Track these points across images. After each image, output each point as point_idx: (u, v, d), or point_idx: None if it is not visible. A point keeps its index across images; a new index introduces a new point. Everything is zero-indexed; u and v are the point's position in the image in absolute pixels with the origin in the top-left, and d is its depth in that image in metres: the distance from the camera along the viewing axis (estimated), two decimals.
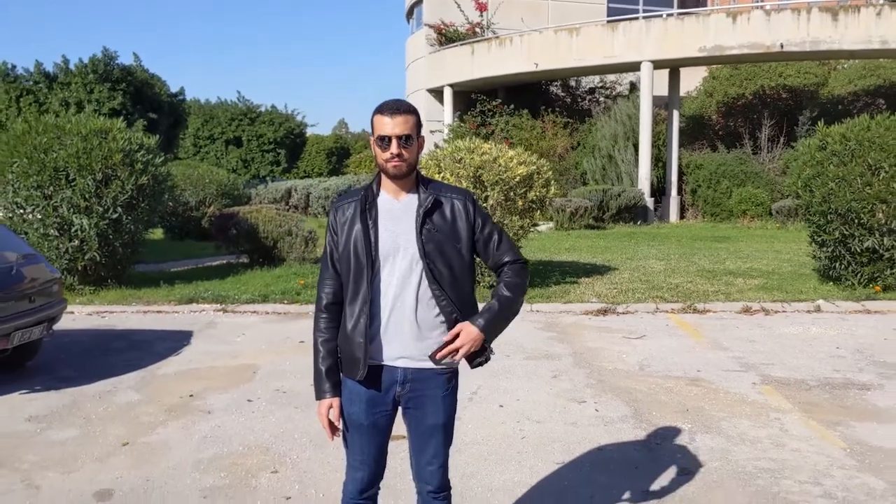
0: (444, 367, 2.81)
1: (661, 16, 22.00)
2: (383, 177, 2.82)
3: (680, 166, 23.34)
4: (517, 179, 9.88)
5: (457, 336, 2.74)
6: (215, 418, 5.51)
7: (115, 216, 9.90)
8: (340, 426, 2.88)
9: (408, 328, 2.77)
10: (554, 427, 5.27)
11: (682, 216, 23.45)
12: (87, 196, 9.71)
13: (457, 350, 2.74)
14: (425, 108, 28.52)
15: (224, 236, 12.26)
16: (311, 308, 9.64)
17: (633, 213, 22.24)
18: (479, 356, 2.85)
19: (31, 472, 4.53)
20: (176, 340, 8.03)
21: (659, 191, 23.80)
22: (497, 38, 25.32)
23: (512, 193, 9.90)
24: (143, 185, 10.14)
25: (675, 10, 25.49)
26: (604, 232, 20.30)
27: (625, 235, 19.14)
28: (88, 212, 9.77)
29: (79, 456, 4.80)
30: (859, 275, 10.13)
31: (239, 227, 12.22)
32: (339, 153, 43.15)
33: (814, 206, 10.20)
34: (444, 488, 2.94)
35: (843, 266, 10.29)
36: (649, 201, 22.65)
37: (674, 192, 23.23)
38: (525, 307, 9.58)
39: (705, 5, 29.84)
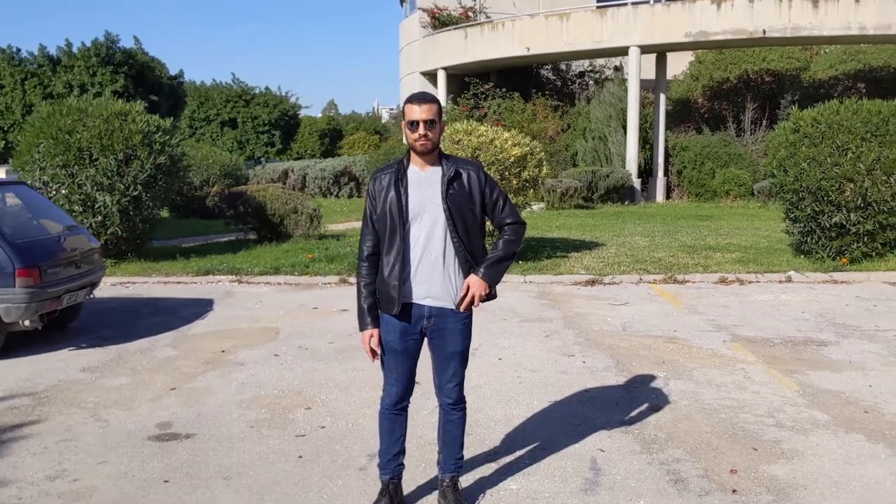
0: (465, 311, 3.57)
1: (648, 2, 22.65)
2: (412, 153, 3.56)
3: (666, 148, 24.09)
4: (512, 160, 10.60)
5: (468, 288, 3.49)
6: (248, 369, 6.24)
7: (135, 193, 10.58)
8: (379, 351, 3.61)
9: (433, 273, 3.52)
10: (546, 375, 6.04)
11: (668, 196, 24.23)
12: (109, 174, 10.38)
13: (472, 298, 3.50)
14: (419, 91, 29.11)
15: (235, 213, 12.94)
16: (321, 280, 10.39)
17: (621, 193, 23.00)
18: (488, 298, 3.61)
19: (97, 410, 5.26)
20: (199, 307, 8.75)
21: (646, 172, 24.56)
22: (490, 22, 25.92)
23: (507, 173, 10.62)
24: (160, 165, 10.82)
25: None
26: (593, 211, 21.05)
27: (612, 214, 19.90)
28: (111, 189, 10.44)
29: (134, 398, 5.53)
30: (828, 248, 10.93)
31: (247, 205, 12.91)
32: (332, 135, 43.66)
33: (787, 185, 10.96)
34: (460, 401, 3.70)
35: (813, 241, 11.08)
36: (636, 182, 23.41)
37: (660, 173, 23.99)
38: (519, 278, 10.35)
39: None
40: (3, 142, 24.27)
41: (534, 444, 4.59)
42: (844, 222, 10.63)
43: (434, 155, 3.57)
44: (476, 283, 3.50)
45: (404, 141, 3.79)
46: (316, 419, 5.04)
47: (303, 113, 43.43)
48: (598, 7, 23.90)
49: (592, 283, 10.19)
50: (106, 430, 4.88)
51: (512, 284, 10.05)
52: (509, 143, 10.74)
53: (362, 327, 3.62)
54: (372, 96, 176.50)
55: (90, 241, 7.53)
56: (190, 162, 15.31)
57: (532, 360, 6.46)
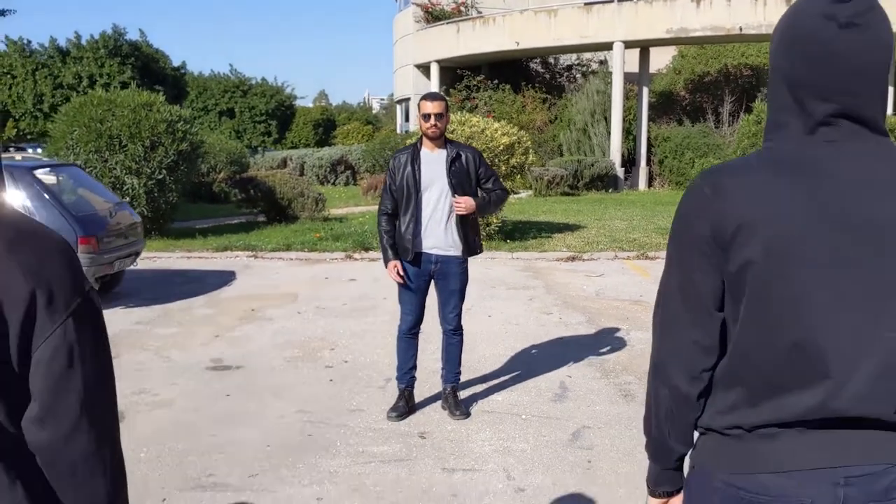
0: (460, 255, 4.72)
1: (631, 0, 23.79)
2: (424, 138, 4.70)
3: (649, 139, 25.29)
4: (501, 148, 11.76)
5: (466, 200, 4.60)
6: (277, 322, 7.40)
7: (160, 177, 11.69)
8: (401, 281, 4.72)
9: (438, 230, 4.67)
10: (528, 327, 7.22)
11: (650, 185, 25.44)
12: (137, 160, 11.49)
13: (466, 204, 4.56)
14: (413, 83, 30.20)
15: (246, 196, 14.08)
16: (329, 255, 11.54)
17: (605, 181, 24.19)
18: (476, 249, 4.77)
19: (158, 350, 6.41)
20: (223, 277, 9.88)
21: (629, 161, 25.75)
22: (481, 17, 27.02)
23: (497, 159, 11.77)
24: (182, 151, 11.92)
25: None
26: (577, 198, 22.23)
27: (596, 201, 21.08)
28: (138, 173, 11.55)
29: (186, 342, 6.68)
30: None
31: (258, 189, 14.04)
32: (326, 125, 44.68)
33: None
34: (459, 328, 4.88)
35: None
36: (620, 171, 24.60)
37: (643, 162, 25.20)
38: (507, 255, 11.53)
39: None
40: (15, 129, 25.28)
41: (516, 373, 5.78)
42: None
43: (441, 140, 4.72)
44: (469, 200, 4.63)
45: (418, 128, 4.96)
46: (340, 356, 6.21)
47: (297, 103, 44.42)
48: (584, 4, 25.02)
49: (573, 259, 11.37)
50: (170, 363, 6.04)
51: (501, 260, 11.23)
52: (499, 132, 11.88)
53: (387, 261, 4.76)
54: (362, 87, 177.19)
55: (133, 216, 8.65)
56: (208, 149, 16.40)
57: (516, 317, 7.64)
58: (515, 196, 18.99)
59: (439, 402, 5.04)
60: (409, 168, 4.69)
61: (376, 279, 9.50)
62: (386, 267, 4.78)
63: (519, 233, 13.40)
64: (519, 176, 12.68)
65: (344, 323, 7.37)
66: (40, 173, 7.89)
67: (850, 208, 1.32)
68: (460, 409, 4.89)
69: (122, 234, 8.07)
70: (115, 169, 11.45)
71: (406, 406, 4.90)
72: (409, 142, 12.28)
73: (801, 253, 1.32)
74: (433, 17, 28.90)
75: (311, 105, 56.73)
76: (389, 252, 4.73)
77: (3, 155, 9.73)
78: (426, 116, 4.62)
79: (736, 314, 1.40)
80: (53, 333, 1.16)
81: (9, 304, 1.13)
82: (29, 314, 1.14)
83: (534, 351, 6.39)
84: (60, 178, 8.32)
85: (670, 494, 1.62)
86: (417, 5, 29.43)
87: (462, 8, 28.92)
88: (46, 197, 7.57)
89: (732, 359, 1.42)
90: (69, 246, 1.23)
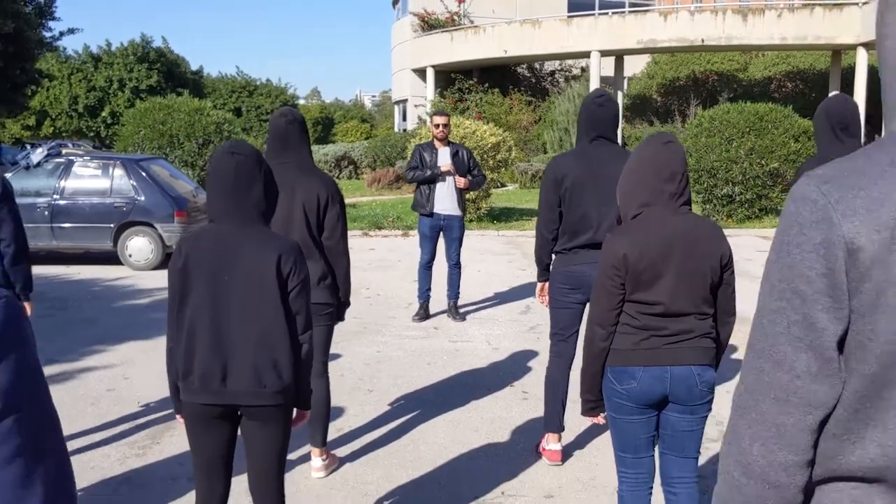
0: (459, 214, 7.40)
1: (607, 13, 26.50)
2: (435, 139, 7.38)
3: (623, 138, 28.01)
4: (489, 145, 14.44)
5: (462, 179, 7.32)
6: None
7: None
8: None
9: (445, 196, 7.34)
10: (505, 277, 9.91)
11: None
12: (192, 154, 14.11)
13: (457, 178, 7.28)
14: (410, 86, 32.84)
15: None
16: (349, 233, 14.19)
17: None
18: (465, 212, 7.48)
19: None
20: None
21: None
22: (473, 27, 29.69)
23: (486, 155, 14.45)
24: None
25: (627, 8, 29.89)
26: None
27: None
28: (193, 166, 14.17)
29: None
30: (721, 213, 14.86)
31: None
32: (325, 123, 47.22)
33: (692, 166, 14.88)
34: (458, 264, 7.58)
35: (710, 207, 15.02)
36: None
37: None
38: (494, 233, 14.22)
39: (652, 3, 34.31)
40: (52, 128, 27.78)
41: (496, 299, 8.49)
42: (731, 193, 14.56)
43: (446, 140, 7.40)
44: (464, 179, 7.30)
45: (429, 132, 7.50)
46: (374, 292, 8.89)
47: (299, 103, 46.94)
48: (567, 17, 27.73)
49: None
50: None
51: (489, 237, 13.91)
52: (487, 133, 14.57)
53: (427, 172, 7.39)
54: (354, 85, 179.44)
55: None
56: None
57: (497, 271, 10.34)
58: (503, 189, 21.71)
59: (446, 314, 7.72)
60: (426, 154, 7.37)
61: (391, 249, 12.18)
62: (433, 173, 7.38)
63: (504, 216, 16.09)
64: (504, 168, 15.35)
65: (372, 275, 10.04)
66: (142, 164, 10.53)
67: None
68: (459, 315, 7.60)
69: (201, 210, 10.71)
70: (173, 162, 14.06)
71: (425, 314, 7.59)
72: (412, 140, 14.93)
73: None
74: (429, 25, 31.54)
75: (302, 101, 59.14)
76: (420, 173, 7.29)
77: (65, 150, 12.16)
78: (437, 125, 7.31)
79: None
80: None
81: None
82: None
83: (508, 288, 9.10)
84: (153, 168, 10.95)
85: None
86: (415, 14, 32.06)
87: (455, 17, 31.57)
88: (150, 181, 10.22)
89: None
90: None
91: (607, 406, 2.93)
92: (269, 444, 2.71)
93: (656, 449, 2.99)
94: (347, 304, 4.11)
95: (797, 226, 1.10)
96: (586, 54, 26.70)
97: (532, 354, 6.45)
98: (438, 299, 8.02)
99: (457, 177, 7.29)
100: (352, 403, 5.31)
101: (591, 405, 2.98)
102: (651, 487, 2.99)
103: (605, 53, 26.52)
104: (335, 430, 4.72)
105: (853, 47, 24.23)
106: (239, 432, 2.78)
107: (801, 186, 1.11)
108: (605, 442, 4.54)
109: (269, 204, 2.73)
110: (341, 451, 4.46)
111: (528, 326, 7.35)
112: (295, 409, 2.80)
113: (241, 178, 2.64)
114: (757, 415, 1.15)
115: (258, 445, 2.71)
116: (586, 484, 4.09)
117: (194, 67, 34.40)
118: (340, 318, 4.11)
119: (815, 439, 1.14)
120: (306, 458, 4.26)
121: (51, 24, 18.11)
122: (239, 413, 2.70)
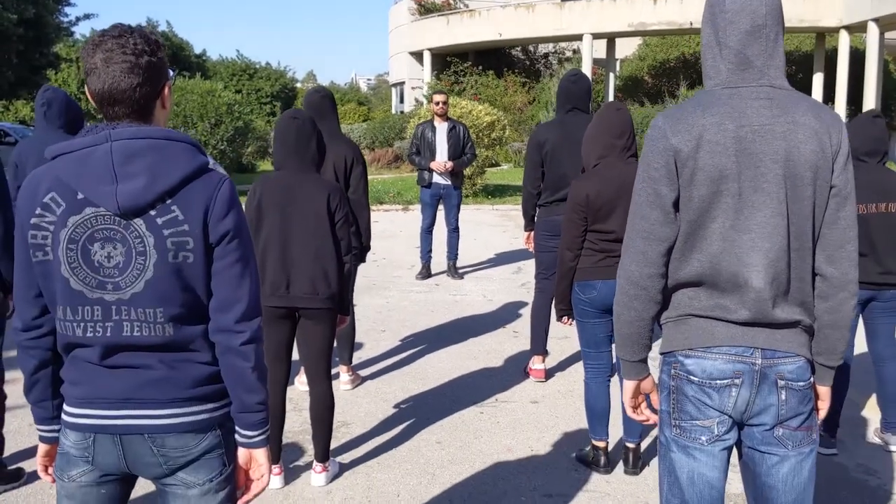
0: (455, 184, 8.29)
1: None
2: (435, 116, 8.25)
3: None
4: (484, 125, 15.30)
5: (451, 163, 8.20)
6: None
7: (221, 147, 15.16)
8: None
9: (439, 176, 8.23)
10: (499, 245, 10.81)
11: None
12: (205, 134, 14.95)
13: (448, 163, 8.18)
14: (407, 68, 33.61)
15: None
16: None
17: None
18: (461, 182, 8.38)
19: None
20: None
21: None
22: (469, 10, 30.43)
23: (481, 133, 15.32)
24: (238, 128, 15.38)
25: None
26: None
27: None
28: (205, 145, 15.01)
29: None
30: None
31: None
32: None
33: None
34: (457, 228, 8.48)
35: None
36: None
37: None
38: (489, 207, 15.11)
39: None
40: None
41: (491, 263, 9.40)
42: None
43: (445, 116, 8.27)
44: (451, 164, 8.19)
45: (429, 110, 8.35)
46: (380, 256, 9.78)
47: (296, 86, 47.62)
48: (560, 1, 28.49)
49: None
50: None
51: (484, 210, 14.80)
52: (483, 113, 15.42)
53: (422, 163, 8.26)
54: (349, 67, 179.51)
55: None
56: (256, 127, 19.88)
57: (491, 239, 11.24)
58: (497, 168, 22.57)
59: (446, 273, 8.63)
60: (428, 131, 8.24)
61: (392, 221, 13.08)
62: (424, 167, 8.26)
63: (499, 192, 16.98)
64: (498, 146, 16.21)
65: (377, 243, 10.75)
66: None
67: None
68: (458, 274, 8.51)
69: None
70: None
71: (427, 272, 8.50)
72: (411, 121, 15.77)
73: None
74: (426, 9, 32.26)
75: (299, 85, 59.72)
76: (420, 160, 8.21)
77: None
78: (437, 103, 8.18)
79: None
80: None
81: None
82: None
83: (501, 253, 10.02)
84: None
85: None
86: None
87: (451, 2, 32.29)
88: None
89: None
90: None
91: (575, 312, 3.84)
92: (320, 338, 3.62)
93: (612, 347, 3.91)
94: (368, 247, 4.98)
95: (651, 140, 1.95)
96: (579, 37, 27.50)
97: (522, 304, 7.36)
98: (439, 262, 8.91)
99: (445, 164, 8.11)
100: (368, 340, 6.22)
101: (563, 312, 3.89)
102: (609, 377, 3.91)
103: (597, 36, 27.32)
104: (356, 358, 5.63)
105: (836, 30, 25.09)
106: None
107: (655, 119, 1.99)
108: (580, 366, 5.46)
109: (319, 156, 3.63)
110: (363, 373, 5.37)
111: (519, 283, 8.26)
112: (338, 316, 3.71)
113: (300, 137, 3.54)
114: (633, 247, 1.98)
115: (312, 338, 3.61)
116: (564, 394, 5.01)
117: (198, 51, 35.07)
118: (363, 259, 4.98)
119: (665, 261, 1.97)
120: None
121: (66, 9, 18.85)
122: (298, 315, 3.61)
